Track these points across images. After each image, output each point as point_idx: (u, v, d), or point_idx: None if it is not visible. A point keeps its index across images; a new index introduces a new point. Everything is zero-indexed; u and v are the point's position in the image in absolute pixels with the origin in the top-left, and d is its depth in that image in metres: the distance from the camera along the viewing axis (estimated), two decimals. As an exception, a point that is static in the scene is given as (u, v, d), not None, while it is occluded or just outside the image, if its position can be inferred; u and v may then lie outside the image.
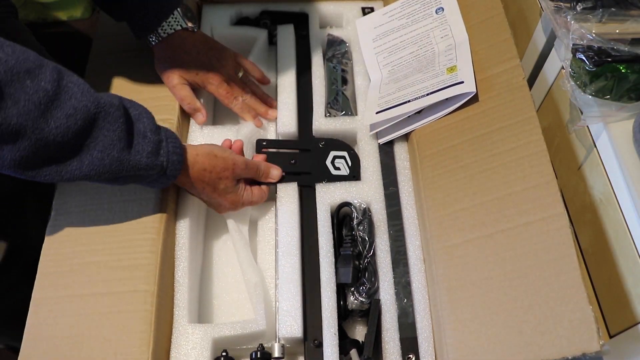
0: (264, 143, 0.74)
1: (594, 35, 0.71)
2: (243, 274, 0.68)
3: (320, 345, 0.60)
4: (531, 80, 0.93)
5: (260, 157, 0.72)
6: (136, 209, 0.64)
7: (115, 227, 0.63)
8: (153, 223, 0.63)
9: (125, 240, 0.63)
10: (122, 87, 0.75)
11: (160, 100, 0.74)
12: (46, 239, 0.63)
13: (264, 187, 0.70)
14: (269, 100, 0.80)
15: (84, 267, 0.61)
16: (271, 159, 0.73)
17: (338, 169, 0.72)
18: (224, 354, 0.60)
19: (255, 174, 0.69)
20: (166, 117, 0.72)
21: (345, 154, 0.73)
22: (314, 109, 0.77)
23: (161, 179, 0.60)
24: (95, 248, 0.62)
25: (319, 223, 0.68)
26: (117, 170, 0.55)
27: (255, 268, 0.67)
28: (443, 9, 0.78)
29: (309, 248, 0.67)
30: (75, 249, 0.62)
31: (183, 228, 0.67)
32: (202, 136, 0.76)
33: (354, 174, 0.72)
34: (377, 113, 0.73)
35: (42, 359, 0.57)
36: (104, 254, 0.62)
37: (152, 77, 0.75)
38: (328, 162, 0.73)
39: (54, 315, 0.58)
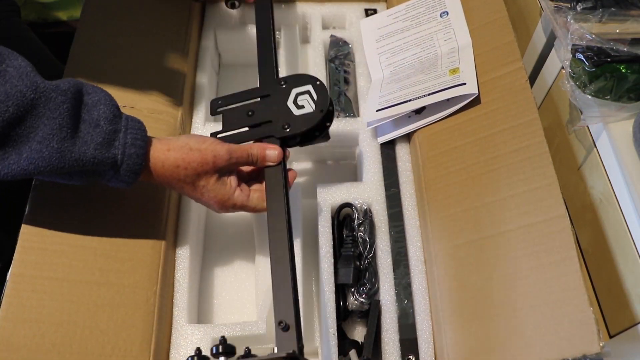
0: (219, 102, 0.63)
1: (593, 35, 0.71)
2: (257, 273, 0.66)
3: (287, 328, 0.50)
4: (531, 81, 0.93)
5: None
6: (137, 204, 0.61)
7: (112, 214, 0.60)
8: (155, 219, 0.62)
9: (123, 230, 0.59)
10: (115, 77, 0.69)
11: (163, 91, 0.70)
12: (29, 207, 0.58)
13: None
14: None
15: (76, 250, 0.57)
16: (228, 117, 0.63)
17: (302, 107, 0.61)
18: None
19: (246, 161, 0.58)
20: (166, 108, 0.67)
21: (309, 87, 0.61)
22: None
23: (119, 176, 0.52)
24: (89, 230, 0.58)
25: (319, 223, 0.68)
26: (59, 164, 0.48)
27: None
28: (447, 13, 0.78)
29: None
30: (64, 226, 0.57)
31: (185, 226, 0.67)
32: (206, 134, 0.75)
33: (321, 108, 0.60)
34: (377, 111, 0.73)
35: (23, 344, 0.52)
36: (99, 240, 0.58)
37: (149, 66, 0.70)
38: (290, 102, 0.61)
39: (39, 297, 0.54)
